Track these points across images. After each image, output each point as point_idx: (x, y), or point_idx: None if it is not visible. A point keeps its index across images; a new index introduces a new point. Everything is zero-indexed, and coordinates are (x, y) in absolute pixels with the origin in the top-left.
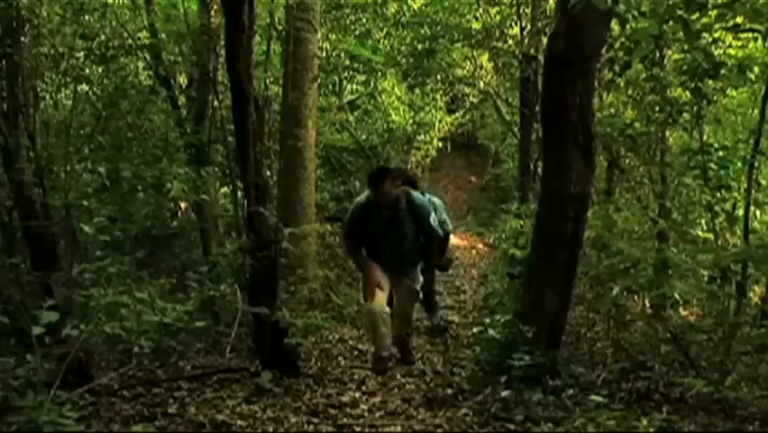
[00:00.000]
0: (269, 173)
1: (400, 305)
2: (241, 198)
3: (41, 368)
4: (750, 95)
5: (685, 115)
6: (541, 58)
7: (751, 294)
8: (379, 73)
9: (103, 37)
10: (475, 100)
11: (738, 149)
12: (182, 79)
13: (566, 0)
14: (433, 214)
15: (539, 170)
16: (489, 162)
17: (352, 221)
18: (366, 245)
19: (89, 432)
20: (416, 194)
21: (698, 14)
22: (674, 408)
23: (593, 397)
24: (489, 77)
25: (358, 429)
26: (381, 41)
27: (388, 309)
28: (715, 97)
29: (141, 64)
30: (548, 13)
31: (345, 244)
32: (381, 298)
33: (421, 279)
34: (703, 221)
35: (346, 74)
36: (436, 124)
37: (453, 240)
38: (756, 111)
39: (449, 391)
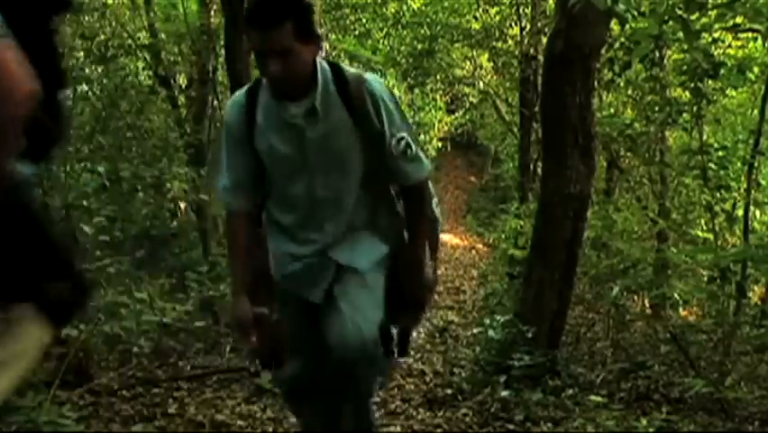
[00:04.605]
0: None
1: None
2: None
3: (40, 368)
4: (750, 95)
5: (685, 115)
6: (541, 58)
7: (751, 294)
8: (379, 73)
9: (102, 37)
10: (475, 100)
11: (738, 149)
12: (182, 79)
13: (566, 0)
14: (399, 115)
15: (539, 170)
16: (489, 162)
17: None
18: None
19: (89, 432)
20: (350, 69)
21: (697, 14)
22: (674, 408)
23: (593, 397)
24: (488, 77)
25: None
26: (381, 41)
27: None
28: (715, 97)
29: (140, 64)
30: (548, 13)
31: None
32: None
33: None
34: (703, 221)
35: None
36: (436, 123)
37: (453, 240)
38: (756, 111)
39: (449, 391)
